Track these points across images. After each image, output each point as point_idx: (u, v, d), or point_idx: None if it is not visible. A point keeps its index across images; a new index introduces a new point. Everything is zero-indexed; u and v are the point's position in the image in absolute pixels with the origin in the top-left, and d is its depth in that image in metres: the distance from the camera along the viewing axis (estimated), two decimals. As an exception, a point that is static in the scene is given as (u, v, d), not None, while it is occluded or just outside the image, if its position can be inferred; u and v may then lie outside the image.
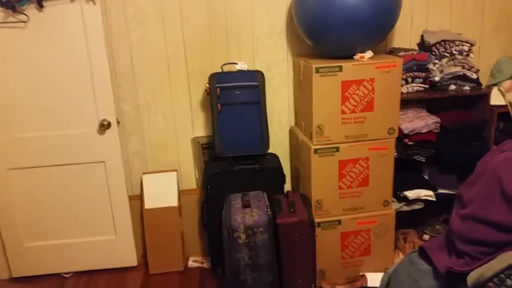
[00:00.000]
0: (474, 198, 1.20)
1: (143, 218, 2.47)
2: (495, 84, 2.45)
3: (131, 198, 2.50)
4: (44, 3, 2.08)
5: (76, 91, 2.25)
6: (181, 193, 2.53)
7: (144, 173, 2.50)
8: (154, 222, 2.45)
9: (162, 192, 2.45)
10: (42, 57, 2.18)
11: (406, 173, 2.38)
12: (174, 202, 2.44)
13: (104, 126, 2.28)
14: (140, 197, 2.51)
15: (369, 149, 2.17)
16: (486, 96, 2.35)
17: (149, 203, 2.44)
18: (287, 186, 2.61)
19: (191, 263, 2.56)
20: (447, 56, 2.32)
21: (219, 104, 2.24)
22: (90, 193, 2.41)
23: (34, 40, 2.15)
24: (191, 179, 2.60)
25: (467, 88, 2.35)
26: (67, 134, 2.31)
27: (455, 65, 2.31)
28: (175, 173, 2.50)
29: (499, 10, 2.54)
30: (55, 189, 2.39)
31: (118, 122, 2.36)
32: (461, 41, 2.34)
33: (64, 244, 2.47)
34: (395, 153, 2.25)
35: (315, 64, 2.04)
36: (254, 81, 2.26)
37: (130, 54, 2.37)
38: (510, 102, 2.36)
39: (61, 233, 2.46)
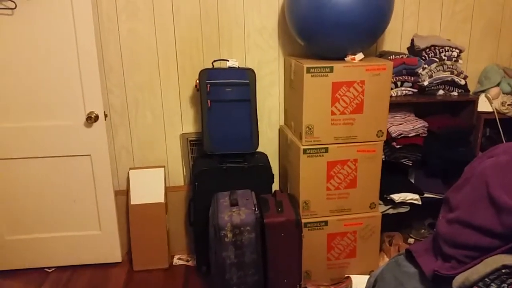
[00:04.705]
0: (461, 202, 1.21)
1: (128, 214, 2.44)
2: (482, 91, 2.49)
3: (117, 193, 2.46)
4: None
5: (64, 82, 2.21)
6: (168, 189, 2.50)
7: (131, 168, 2.47)
8: (140, 218, 2.42)
9: (149, 188, 2.43)
10: (29, 46, 2.13)
11: (392, 176, 2.40)
12: (160, 199, 2.42)
13: (91, 119, 2.24)
14: (126, 192, 2.48)
15: (358, 151, 2.18)
16: (474, 102, 2.39)
17: (135, 199, 2.41)
18: (275, 186, 2.60)
19: (176, 261, 2.54)
20: (436, 61, 2.34)
21: (209, 101, 2.22)
22: (75, 186, 2.37)
23: (21, 29, 2.10)
24: (179, 176, 2.57)
25: (455, 93, 2.38)
26: (53, 126, 2.26)
27: (444, 71, 2.34)
28: (162, 169, 2.47)
29: (487, 18, 2.58)
30: (39, 181, 2.34)
31: (105, 115, 2.32)
32: (450, 46, 2.36)
33: (47, 238, 2.42)
34: (383, 156, 2.26)
35: (307, 64, 2.04)
36: (245, 79, 2.24)
37: (120, 46, 2.34)
38: (497, 109, 2.40)
39: (44, 226, 2.41)
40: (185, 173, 2.57)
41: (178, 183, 2.58)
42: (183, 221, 2.56)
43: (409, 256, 1.34)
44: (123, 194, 2.49)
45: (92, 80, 2.21)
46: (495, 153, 1.23)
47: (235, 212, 2.02)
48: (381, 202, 2.35)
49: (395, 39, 2.52)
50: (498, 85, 2.48)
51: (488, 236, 1.12)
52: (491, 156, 1.23)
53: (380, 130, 2.18)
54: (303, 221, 2.18)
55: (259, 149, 2.40)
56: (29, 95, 2.21)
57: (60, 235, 2.43)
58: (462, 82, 2.37)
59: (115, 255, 2.50)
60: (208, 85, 2.21)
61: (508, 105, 2.40)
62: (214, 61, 2.33)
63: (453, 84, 2.36)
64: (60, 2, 2.09)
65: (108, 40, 2.32)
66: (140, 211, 2.41)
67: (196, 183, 2.25)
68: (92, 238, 2.45)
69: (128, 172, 2.47)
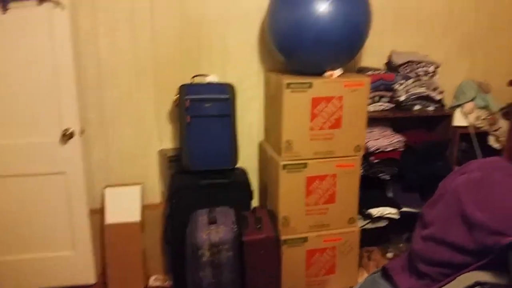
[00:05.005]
0: (435, 219, 1.21)
1: (103, 233, 2.36)
2: (458, 106, 2.53)
3: (92, 212, 2.39)
4: (9, 6, 1.99)
5: (40, 98, 2.15)
6: (145, 207, 2.44)
7: (107, 186, 2.41)
8: (115, 238, 2.35)
9: (125, 206, 2.36)
10: (5, 61, 2.08)
11: (371, 190, 2.41)
12: (136, 218, 2.35)
13: (67, 136, 2.18)
14: (102, 211, 2.41)
15: (336, 166, 2.18)
16: (449, 117, 2.43)
17: (110, 218, 2.35)
18: (255, 202, 2.58)
19: (152, 282, 2.46)
20: (412, 77, 2.38)
21: (188, 116, 2.20)
22: (49, 205, 2.30)
23: (-3, 43, 2.06)
24: (156, 193, 2.52)
25: (431, 108, 2.41)
26: (26, 143, 2.19)
27: (420, 86, 2.37)
28: (139, 186, 2.42)
29: (463, 34, 2.65)
30: (10, 200, 2.25)
31: (81, 132, 2.27)
32: (427, 62, 2.41)
33: (18, 260, 2.32)
34: (361, 171, 2.27)
35: (286, 79, 2.05)
36: (225, 94, 2.23)
37: (98, 60, 2.30)
38: (472, 124, 2.44)
39: (15, 247, 2.32)
40: (162, 190, 2.52)
41: (156, 201, 2.52)
42: (160, 240, 2.50)
43: (386, 273, 1.33)
44: (98, 213, 2.42)
45: (69, 95, 2.17)
46: (467, 170, 1.24)
47: (213, 230, 1.98)
48: (359, 217, 2.34)
49: (373, 55, 2.56)
50: (473, 100, 2.53)
51: (461, 253, 1.11)
52: (464, 172, 1.24)
53: (358, 145, 2.19)
54: (283, 237, 2.16)
55: (239, 165, 2.38)
56: (4, 112, 2.14)
57: (31, 257, 2.34)
58: (438, 97, 2.40)
59: (89, 276, 2.41)
60: (188, 101, 2.19)
61: (483, 119, 2.45)
62: (194, 76, 2.32)
63: (429, 99, 2.39)
64: (38, 16, 2.05)
65: (86, 54, 2.28)
66: (115, 230, 2.34)
67: (174, 201, 2.21)
68: (65, 259, 2.36)
69: (104, 190, 2.41)
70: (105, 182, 2.46)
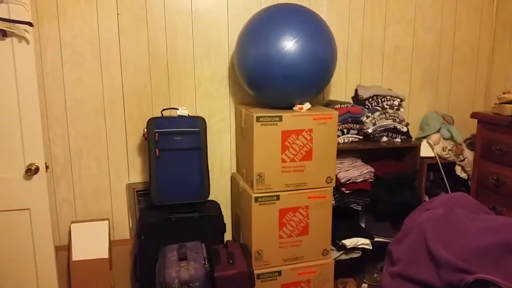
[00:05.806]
0: (402, 256, 1.22)
1: (70, 271, 2.27)
2: (424, 137, 2.61)
3: (57, 248, 2.30)
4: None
5: (3, 132, 2.08)
6: (113, 243, 2.37)
7: (73, 222, 2.33)
8: (82, 275, 2.25)
9: (92, 242, 2.28)
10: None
11: (343, 221, 2.42)
12: (104, 254, 2.27)
13: (31, 171, 2.10)
14: (68, 248, 2.32)
15: (308, 197, 2.19)
16: (416, 148, 2.49)
17: (77, 255, 2.26)
18: (228, 235, 2.54)
19: (121, 321, 2.36)
20: (379, 110, 2.44)
21: (157, 150, 2.18)
22: (11, 243, 2.18)
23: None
24: (125, 229, 2.45)
25: (398, 140, 2.48)
26: (-13, 179, 2.11)
27: (386, 118, 2.44)
28: (106, 222, 2.35)
29: (424, 69, 2.76)
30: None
31: (47, 167, 2.20)
32: (391, 96, 2.48)
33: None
34: (333, 202, 2.28)
35: (256, 113, 2.07)
36: (195, 127, 2.23)
37: (64, 95, 2.27)
38: (438, 154, 2.51)
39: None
40: (131, 226, 2.46)
41: (124, 237, 2.45)
42: (129, 277, 2.41)
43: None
44: (64, 250, 2.33)
45: (34, 130, 2.10)
46: (431, 206, 1.26)
47: (183, 267, 1.93)
48: (333, 248, 2.34)
49: (340, 89, 2.63)
50: (438, 131, 2.61)
51: (428, 290, 1.12)
52: (428, 208, 1.26)
53: (329, 177, 2.21)
54: (256, 272, 2.12)
55: (211, 197, 2.36)
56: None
57: (-10, 299, 2.21)
58: (404, 129, 2.47)
59: (54, 318, 2.29)
60: (157, 134, 2.17)
61: (449, 150, 2.53)
62: (163, 109, 2.31)
63: (395, 131, 2.46)
64: (1, 50, 2.01)
65: (51, 89, 2.25)
66: (82, 267, 2.25)
67: (143, 237, 2.15)
68: (27, 301, 2.25)
69: (70, 226, 2.32)
70: (71, 218, 2.38)
